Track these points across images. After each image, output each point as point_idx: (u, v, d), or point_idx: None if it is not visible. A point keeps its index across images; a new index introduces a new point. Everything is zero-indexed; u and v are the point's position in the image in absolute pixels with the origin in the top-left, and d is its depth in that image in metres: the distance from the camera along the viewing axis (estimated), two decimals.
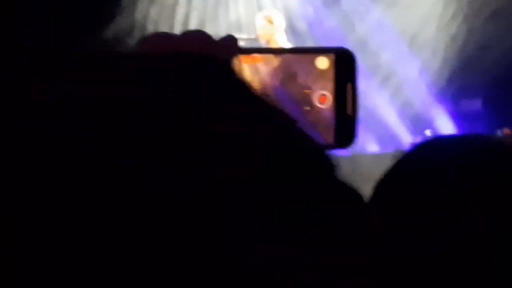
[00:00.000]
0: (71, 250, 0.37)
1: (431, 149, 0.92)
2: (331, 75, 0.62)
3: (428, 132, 7.85)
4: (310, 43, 8.06)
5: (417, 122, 8.01)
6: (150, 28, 8.50)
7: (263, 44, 5.99)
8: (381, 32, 8.15)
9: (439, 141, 0.96)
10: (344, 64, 0.62)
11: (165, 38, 0.56)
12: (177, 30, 8.67)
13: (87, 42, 6.71)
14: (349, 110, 0.62)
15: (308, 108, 0.62)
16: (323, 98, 0.62)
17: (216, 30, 8.62)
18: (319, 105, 0.62)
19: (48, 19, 6.14)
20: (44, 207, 0.37)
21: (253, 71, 0.61)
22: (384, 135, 8.00)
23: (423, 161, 0.90)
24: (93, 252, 0.37)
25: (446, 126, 7.89)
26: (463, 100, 8.00)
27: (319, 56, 0.62)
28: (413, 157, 0.94)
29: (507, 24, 7.40)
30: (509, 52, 7.33)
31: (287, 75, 0.62)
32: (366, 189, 0.61)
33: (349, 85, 0.63)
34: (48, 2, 6.55)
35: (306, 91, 0.62)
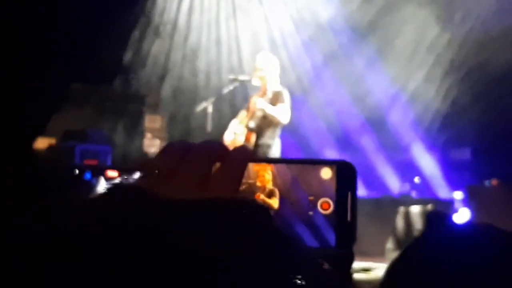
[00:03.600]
0: None
1: (441, 245, 0.93)
2: (333, 184, 0.68)
3: (417, 180, 7.88)
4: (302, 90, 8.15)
5: (406, 169, 8.05)
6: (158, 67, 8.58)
7: (257, 85, 6.07)
8: (373, 77, 8.26)
9: (449, 235, 0.97)
10: (345, 174, 0.68)
11: (185, 147, 0.61)
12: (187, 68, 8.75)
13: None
14: (349, 217, 0.67)
15: (311, 213, 0.68)
16: (325, 205, 0.68)
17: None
18: (322, 211, 0.68)
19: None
20: None
21: (267, 178, 0.67)
22: (373, 180, 8.02)
23: (433, 260, 0.92)
24: None
25: (435, 174, 7.93)
26: (453, 149, 8.06)
27: (323, 167, 0.68)
28: (422, 253, 0.95)
29: (494, 74, 7.51)
30: (498, 102, 7.43)
31: (294, 183, 0.68)
32: None
33: (349, 194, 0.68)
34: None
35: (311, 198, 0.68)
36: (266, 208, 0.61)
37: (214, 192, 0.58)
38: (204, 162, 0.60)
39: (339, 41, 8.50)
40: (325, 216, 0.67)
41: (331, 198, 0.67)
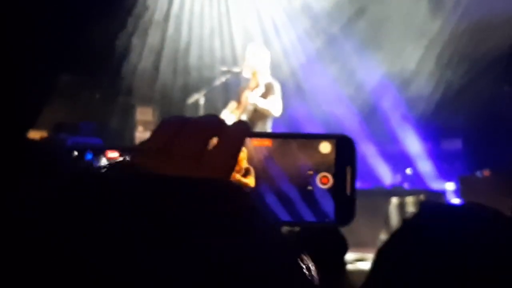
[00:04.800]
0: None
1: (432, 228, 0.93)
2: (332, 158, 0.68)
3: (409, 171, 7.90)
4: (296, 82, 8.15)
5: (398, 160, 8.07)
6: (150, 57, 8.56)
7: (247, 77, 6.06)
8: (364, 67, 8.27)
9: (440, 214, 0.97)
10: (345, 149, 0.68)
11: (181, 122, 0.60)
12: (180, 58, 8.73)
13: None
14: (348, 191, 0.67)
15: (310, 188, 0.67)
16: (325, 179, 0.67)
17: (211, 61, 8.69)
18: (321, 186, 0.67)
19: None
20: None
21: (262, 153, 0.67)
22: (365, 172, 8.04)
23: (424, 239, 0.91)
24: None
25: (426, 165, 7.95)
26: (444, 140, 8.08)
27: (322, 141, 0.68)
28: (414, 232, 0.95)
29: (485, 64, 7.52)
30: (489, 92, 7.45)
31: (293, 158, 0.67)
32: None
33: (348, 168, 0.68)
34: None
35: (310, 172, 0.67)
36: (241, 186, 0.61)
37: (210, 167, 0.58)
38: (200, 137, 0.59)
39: (329, 30, 8.48)
40: (324, 190, 0.67)
41: (330, 173, 0.67)
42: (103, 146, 0.67)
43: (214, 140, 0.60)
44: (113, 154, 0.66)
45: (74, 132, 6.76)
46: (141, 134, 8.80)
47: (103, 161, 0.66)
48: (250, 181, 0.66)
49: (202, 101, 6.35)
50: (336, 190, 0.67)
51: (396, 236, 0.97)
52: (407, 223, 0.98)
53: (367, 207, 6.35)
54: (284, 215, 0.66)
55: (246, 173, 0.66)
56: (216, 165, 0.59)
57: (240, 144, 0.62)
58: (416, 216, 0.99)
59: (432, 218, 0.97)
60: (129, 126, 8.66)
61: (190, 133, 0.59)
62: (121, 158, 0.65)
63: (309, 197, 0.66)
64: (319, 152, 0.67)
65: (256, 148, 0.67)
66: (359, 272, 4.53)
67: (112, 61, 8.41)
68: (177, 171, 0.55)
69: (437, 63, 8.15)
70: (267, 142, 0.67)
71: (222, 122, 0.62)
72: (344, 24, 8.40)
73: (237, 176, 0.65)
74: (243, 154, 0.65)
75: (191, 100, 6.54)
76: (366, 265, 4.93)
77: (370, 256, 5.11)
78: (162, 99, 8.78)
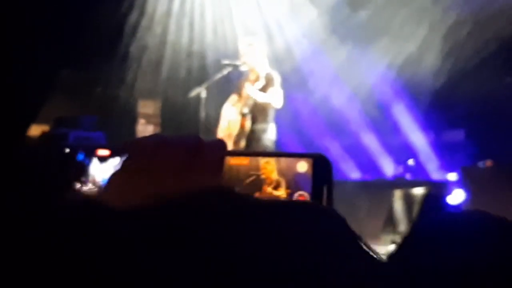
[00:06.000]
0: None
1: (436, 238, 0.93)
2: (309, 177, 0.67)
3: (411, 162, 7.90)
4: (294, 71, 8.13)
5: (400, 151, 8.06)
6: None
7: (246, 69, 6.05)
8: (369, 62, 8.25)
9: (446, 224, 0.97)
10: (322, 168, 0.68)
11: (162, 139, 0.61)
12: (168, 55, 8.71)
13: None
14: None
15: None
16: (302, 198, 0.68)
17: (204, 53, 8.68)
18: None
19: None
20: None
21: (239, 172, 0.67)
22: (367, 163, 8.04)
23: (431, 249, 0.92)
24: None
25: (429, 156, 7.94)
26: (446, 131, 8.07)
27: (299, 160, 0.68)
28: (421, 240, 0.95)
29: (487, 53, 7.50)
30: (491, 82, 7.43)
31: (270, 176, 0.68)
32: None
33: (325, 188, 0.67)
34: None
35: (287, 190, 0.68)
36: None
37: (193, 183, 0.59)
38: (180, 153, 0.60)
39: (331, 22, 8.46)
40: None
41: (307, 191, 0.67)
42: (94, 146, 0.68)
43: (194, 157, 0.61)
44: (104, 152, 0.67)
45: (76, 126, 6.76)
46: (143, 127, 8.81)
47: (95, 161, 0.67)
48: (282, 192, 0.67)
49: (203, 94, 6.35)
50: None
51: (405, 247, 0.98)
52: (412, 234, 0.99)
53: (369, 199, 6.36)
54: None
55: (277, 185, 0.67)
56: (199, 181, 0.59)
57: (221, 160, 0.62)
58: (420, 225, 1.00)
59: (436, 231, 0.98)
60: (130, 119, 8.66)
61: (171, 149, 0.60)
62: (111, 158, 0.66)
63: None
64: (296, 171, 0.67)
65: (232, 167, 0.67)
66: None
67: (114, 55, 8.39)
68: (158, 188, 0.56)
69: (439, 53, 8.12)
70: (245, 161, 0.67)
71: (200, 140, 0.62)
72: (346, 15, 8.38)
73: (268, 189, 0.66)
74: (272, 167, 0.66)
75: (193, 93, 6.54)
76: None
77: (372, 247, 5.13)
78: (163, 92, 8.78)
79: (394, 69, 8.27)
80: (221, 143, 0.64)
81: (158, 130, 8.91)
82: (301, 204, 0.54)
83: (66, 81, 7.76)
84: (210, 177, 0.60)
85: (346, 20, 8.38)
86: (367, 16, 8.31)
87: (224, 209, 0.48)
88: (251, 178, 0.65)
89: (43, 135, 5.75)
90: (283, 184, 0.67)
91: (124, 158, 0.60)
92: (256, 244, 0.46)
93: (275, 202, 0.52)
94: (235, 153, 0.69)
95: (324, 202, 0.67)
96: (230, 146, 5.94)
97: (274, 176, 0.66)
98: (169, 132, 8.59)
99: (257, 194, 0.67)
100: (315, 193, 0.67)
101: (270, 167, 0.65)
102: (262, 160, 0.67)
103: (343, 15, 8.39)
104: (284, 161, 0.68)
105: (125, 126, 8.45)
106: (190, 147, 0.61)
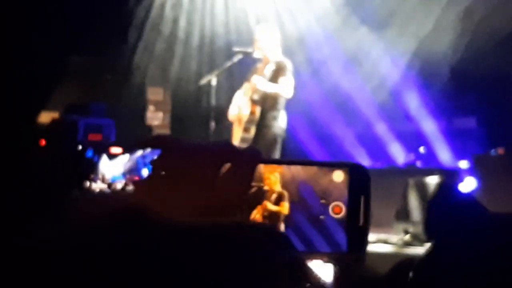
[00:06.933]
0: None
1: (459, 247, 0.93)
2: (345, 187, 0.66)
3: (422, 149, 7.86)
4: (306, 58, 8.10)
5: (411, 139, 8.03)
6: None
7: (259, 57, 6.02)
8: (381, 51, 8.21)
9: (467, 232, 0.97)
10: (358, 178, 0.66)
11: (193, 147, 0.60)
12: (179, 47, 8.69)
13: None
14: (361, 221, 0.66)
15: (323, 217, 0.66)
16: (337, 209, 0.66)
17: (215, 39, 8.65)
18: (333, 215, 0.66)
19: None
20: None
21: (273, 180, 0.65)
22: (378, 151, 8.01)
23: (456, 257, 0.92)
24: None
25: (440, 143, 7.91)
26: (458, 118, 8.03)
27: (335, 170, 0.66)
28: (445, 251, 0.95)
29: (499, 41, 7.45)
30: (503, 70, 7.38)
31: (304, 186, 0.66)
32: None
33: (362, 198, 0.66)
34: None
35: (323, 201, 0.66)
36: (277, 235, 0.60)
37: (222, 195, 0.58)
38: (213, 163, 0.59)
39: (343, 10, 8.41)
40: (337, 220, 0.66)
41: (343, 202, 0.66)
42: (107, 143, 0.67)
43: (227, 166, 0.59)
44: (117, 150, 0.66)
45: (86, 113, 6.76)
46: (152, 114, 8.81)
47: (104, 158, 0.65)
48: (284, 207, 0.65)
49: (214, 82, 6.33)
50: (349, 221, 0.66)
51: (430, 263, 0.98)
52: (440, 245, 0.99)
53: (380, 187, 6.32)
54: (298, 245, 0.65)
55: (279, 199, 0.65)
56: (228, 191, 0.58)
57: (253, 170, 0.61)
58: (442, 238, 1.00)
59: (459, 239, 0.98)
60: (140, 106, 8.66)
61: (203, 158, 0.59)
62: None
63: (322, 226, 0.65)
64: (332, 180, 0.66)
65: (267, 176, 0.65)
66: (376, 254, 4.51)
67: (123, 42, 8.38)
68: (189, 198, 0.56)
69: (452, 40, 8.06)
70: (278, 169, 0.65)
71: (234, 148, 0.61)
72: (358, 3, 8.33)
73: (268, 205, 0.64)
74: (275, 178, 0.64)
75: (203, 81, 6.52)
76: (383, 247, 4.92)
77: (385, 237, 5.10)
78: (174, 79, 8.76)
79: (406, 56, 8.22)
80: (255, 152, 0.63)
81: (167, 117, 8.91)
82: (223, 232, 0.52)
83: (76, 68, 7.76)
84: (241, 187, 0.59)
85: (359, 6, 8.32)
86: (378, 4, 8.26)
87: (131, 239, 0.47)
88: (252, 190, 0.63)
89: (53, 122, 5.75)
90: (286, 197, 0.65)
91: (154, 154, 0.59)
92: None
93: (188, 228, 0.50)
94: (269, 161, 0.65)
95: (361, 213, 0.65)
96: (239, 133, 5.94)
97: (277, 188, 0.64)
98: (178, 119, 8.60)
99: (257, 208, 0.64)
100: (351, 204, 0.66)
101: (273, 178, 0.63)
102: (266, 169, 0.64)
103: (357, 1, 8.34)
104: (319, 170, 0.66)
105: (135, 113, 8.45)
106: (223, 155, 0.59)
